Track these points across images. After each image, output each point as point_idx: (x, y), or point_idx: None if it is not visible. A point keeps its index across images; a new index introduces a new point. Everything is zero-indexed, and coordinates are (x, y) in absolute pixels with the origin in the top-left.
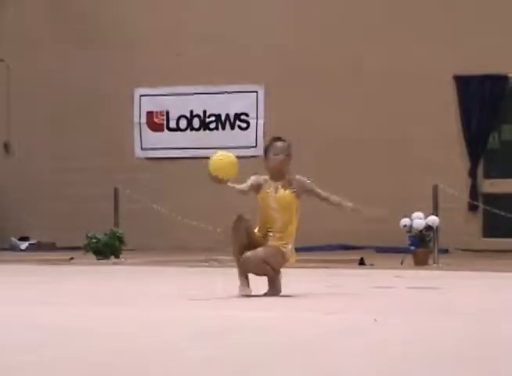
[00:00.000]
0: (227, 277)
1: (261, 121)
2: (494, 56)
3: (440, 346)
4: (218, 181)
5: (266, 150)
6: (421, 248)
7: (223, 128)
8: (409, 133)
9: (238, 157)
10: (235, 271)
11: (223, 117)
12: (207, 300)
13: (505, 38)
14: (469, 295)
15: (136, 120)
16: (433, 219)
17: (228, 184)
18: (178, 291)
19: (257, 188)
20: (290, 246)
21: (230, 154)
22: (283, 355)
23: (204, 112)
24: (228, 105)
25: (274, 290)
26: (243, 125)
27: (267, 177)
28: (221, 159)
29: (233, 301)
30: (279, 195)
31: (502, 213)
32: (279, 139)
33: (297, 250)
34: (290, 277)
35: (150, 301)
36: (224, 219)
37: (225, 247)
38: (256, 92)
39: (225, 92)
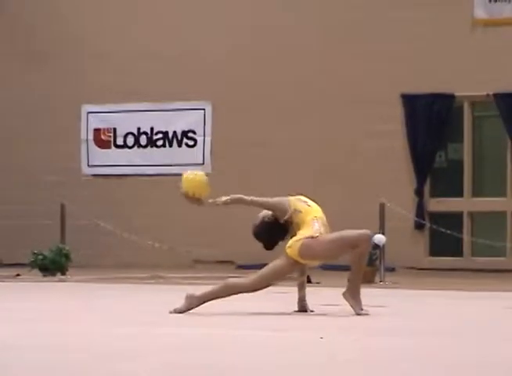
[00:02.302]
0: (171, 294)
1: (208, 139)
2: (441, 75)
3: (386, 364)
4: (196, 200)
5: None
6: (367, 266)
7: (170, 145)
8: (356, 151)
9: None
10: (179, 288)
11: (170, 135)
12: (149, 316)
13: (452, 58)
14: (415, 313)
15: (83, 137)
16: (379, 238)
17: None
18: (123, 309)
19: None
20: None
21: (201, 173)
22: (229, 374)
23: (151, 129)
24: (175, 122)
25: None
26: (191, 143)
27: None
28: (194, 177)
29: (179, 319)
30: None
31: (449, 232)
32: None
33: (244, 267)
34: (237, 295)
35: (92, 317)
36: (169, 236)
37: (170, 263)
38: (203, 109)
39: (173, 109)
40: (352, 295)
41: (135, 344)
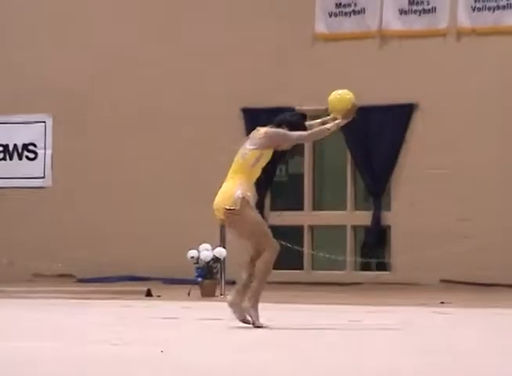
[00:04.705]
0: (13, 308)
1: (49, 152)
2: (282, 89)
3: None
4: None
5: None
6: (208, 280)
7: (11, 158)
8: (196, 164)
9: (26, 188)
10: (21, 301)
11: (11, 148)
12: None
13: (294, 72)
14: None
15: None
16: (220, 251)
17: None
18: None
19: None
20: None
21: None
22: None
23: None
24: (15, 135)
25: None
26: (31, 156)
27: None
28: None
29: (21, 331)
30: None
31: (289, 245)
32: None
33: (85, 281)
34: (76, 309)
35: None
36: (8, 250)
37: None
38: (44, 121)
39: (13, 122)
40: (253, 306)
41: None
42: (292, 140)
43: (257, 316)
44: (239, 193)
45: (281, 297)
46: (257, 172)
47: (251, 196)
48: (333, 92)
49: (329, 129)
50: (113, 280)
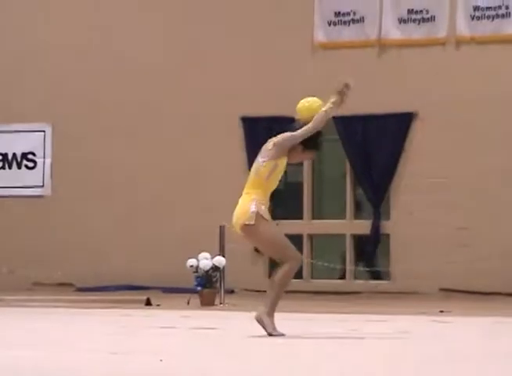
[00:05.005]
0: (12, 316)
1: (48, 161)
2: (282, 98)
3: None
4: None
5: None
6: (207, 289)
7: (10, 167)
8: (196, 174)
9: (25, 197)
10: (20, 310)
11: (10, 157)
12: None
13: (293, 81)
14: (253, 335)
15: None
16: (219, 260)
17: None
18: None
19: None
20: None
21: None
22: None
23: None
24: (15, 144)
25: None
26: (30, 165)
27: None
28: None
29: (20, 340)
30: None
31: None
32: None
33: (84, 290)
34: (75, 318)
35: None
36: (8, 259)
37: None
38: (43, 131)
39: (12, 130)
40: (268, 315)
41: None
42: (300, 136)
43: (271, 325)
44: (253, 207)
45: (280, 306)
46: (273, 183)
47: (266, 209)
48: (302, 101)
49: (326, 111)
50: (113, 289)
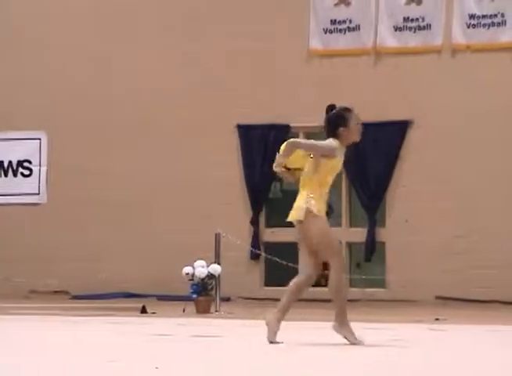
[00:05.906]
0: (8, 324)
1: (44, 168)
2: (277, 105)
3: None
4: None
5: (344, 119)
6: (203, 296)
7: (5, 175)
8: (191, 181)
9: (21, 204)
10: (16, 318)
11: (6, 164)
12: None
13: (288, 88)
14: (249, 343)
15: None
16: (215, 268)
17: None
18: None
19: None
20: None
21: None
22: None
23: None
24: (10, 152)
25: None
26: (26, 172)
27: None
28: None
29: (17, 347)
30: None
31: (283, 262)
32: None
33: (79, 297)
34: (71, 326)
35: None
36: (4, 266)
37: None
38: (39, 138)
39: (8, 138)
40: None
41: None
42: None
43: (351, 334)
44: (304, 204)
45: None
46: (321, 181)
47: (317, 205)
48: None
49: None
50: (108, 296)
